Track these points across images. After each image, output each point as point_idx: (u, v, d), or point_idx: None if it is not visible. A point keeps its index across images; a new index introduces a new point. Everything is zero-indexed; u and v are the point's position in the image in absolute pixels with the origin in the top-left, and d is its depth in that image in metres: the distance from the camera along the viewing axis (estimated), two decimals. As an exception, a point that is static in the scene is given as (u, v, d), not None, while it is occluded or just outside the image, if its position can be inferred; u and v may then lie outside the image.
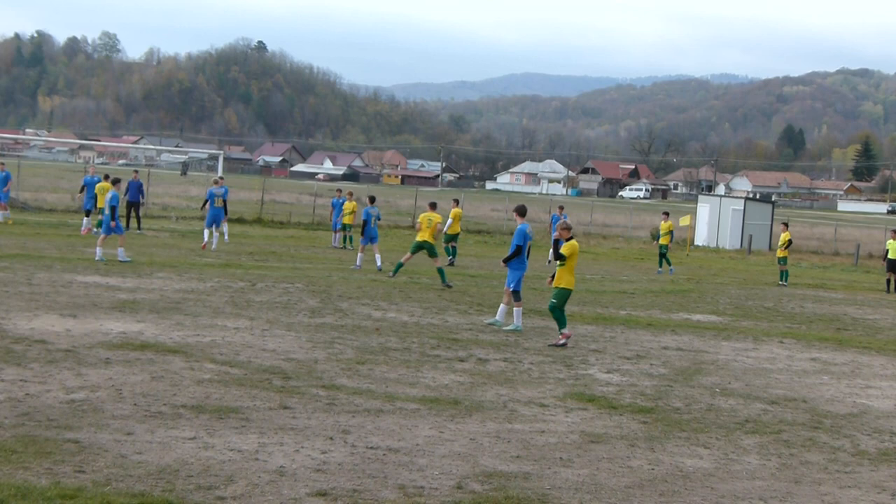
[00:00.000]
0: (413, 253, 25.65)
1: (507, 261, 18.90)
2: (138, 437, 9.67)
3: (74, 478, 8.29)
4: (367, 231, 28.41)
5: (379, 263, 27.87)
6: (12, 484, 7.95)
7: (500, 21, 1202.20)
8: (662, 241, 36.46)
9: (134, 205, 36.91)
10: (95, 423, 10.03)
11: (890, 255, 34.41)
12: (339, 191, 38.00)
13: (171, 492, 8.12)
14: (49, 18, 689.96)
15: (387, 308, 20.26)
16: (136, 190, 36.85)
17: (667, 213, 37.75)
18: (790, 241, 35.07)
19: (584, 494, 8.93)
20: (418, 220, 26.34)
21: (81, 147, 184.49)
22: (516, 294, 18.76)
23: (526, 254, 19.11)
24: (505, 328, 18.60)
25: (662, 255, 36.23)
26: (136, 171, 39.98)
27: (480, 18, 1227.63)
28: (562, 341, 17.12)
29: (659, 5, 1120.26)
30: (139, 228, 36.57)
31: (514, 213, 19.61)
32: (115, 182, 28.36)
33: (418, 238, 25.54)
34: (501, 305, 19.05)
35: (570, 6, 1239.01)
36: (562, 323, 17.29)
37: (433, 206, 26.43)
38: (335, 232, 37.31)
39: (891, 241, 34.56)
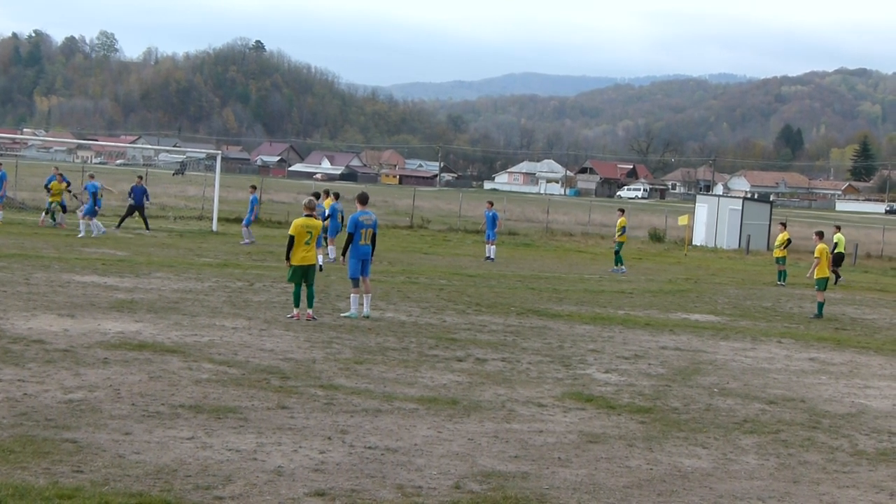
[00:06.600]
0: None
1: (345, 253, 19.09)
2: (136, 436, 9.67)
3: (72, 478, 8.29)
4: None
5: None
6: (10, 484, 7.95)
7: (497, 20, 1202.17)
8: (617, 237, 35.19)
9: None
10: (93, 423, 10.02)
11: (838, 249, 35.16)
12: (330, 194, 34.28)
13: (170, 492, 8.12)
14: (47, 18, 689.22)
15: (385, 308, 20.25)
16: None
17: (622, 210, 36.57)
18: (789, 241, 35.08)
19: (582, 494, 8.93)
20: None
21: (79, 147, 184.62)
22: (354, 281, 19.00)
23: (362, 240, 18.93)
24: (342, 314, 18.84)
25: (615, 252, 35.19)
26: (92, 175, 39.62)
27: (478, 18, 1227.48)
28: (289, 315, 18.11)
29: (652, 2, 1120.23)
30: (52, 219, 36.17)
31: (356, 201, 19.58)
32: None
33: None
34: (364, 297, 19.15)
35: (555, 4, 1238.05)
36: (296, 300, 18.15)
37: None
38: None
39: (837, 234, 35.54)
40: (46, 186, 36.55)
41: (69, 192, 37.26)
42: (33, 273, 21.69)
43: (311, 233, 18.05)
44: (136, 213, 37.13)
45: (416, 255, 35.26)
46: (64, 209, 35.97)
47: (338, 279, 24.66)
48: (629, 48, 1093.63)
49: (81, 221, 32.91)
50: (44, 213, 36.67)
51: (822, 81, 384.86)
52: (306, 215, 18.35)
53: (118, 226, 36.86)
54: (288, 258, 18.05)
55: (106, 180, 44.09)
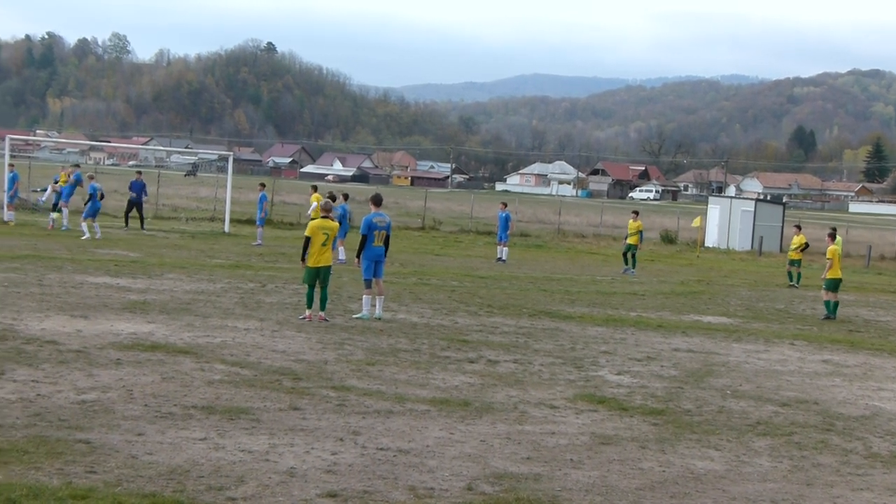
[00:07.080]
0: None
1: (359, 255, 19.06)
2: (149, 437, 9.68)
3: (86, 478, 8.30)
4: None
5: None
6: (24, 484, 7.97)
7: (508, 22, 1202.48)
8: (631, 240, 35.28)
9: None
10: (106, 424, 10.04)
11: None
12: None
13: (182, 492, 8.12)
14: (59, 20, 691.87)
15: (396, 309, 20.25)
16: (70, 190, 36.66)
17: (636, 213, 36.70)
18: (807, 244, 34.78)
19: (594, 496, 8.91)
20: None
21: (92, 148, 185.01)
22: (366, 282, 19.06)
23: (375, 241, 18.95)
24: (353, 316, 18.87)
25: (630, 255, 35.18)
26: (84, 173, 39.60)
27: (489, 20, 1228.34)
28: (301, 316, 18.17)
29: (661, 4, 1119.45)
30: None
31: (370, 203, 19.72)
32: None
33: None
34: (377, 298, 19.13)
35: (566, 5, 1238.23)
36: (308, 301, 18.19)
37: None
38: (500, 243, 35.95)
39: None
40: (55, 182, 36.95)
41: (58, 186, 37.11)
42: (46, 274, 21.75)
43: (327, 234, 18.05)
44: (135, 210, 37.31)
45: (427, 256, 35.25)
46: (60, 200, 35.84)
47: (350, 280, 24.66)
48: (640, 49, 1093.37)
49: (83, 223, 32.90)
50: (51, 215, 36.67)
51: (835, 82, 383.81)
52: (323, 217, 18.34)
53: (126, 225, 37.07)
54: (303, 259, 18.07)
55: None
